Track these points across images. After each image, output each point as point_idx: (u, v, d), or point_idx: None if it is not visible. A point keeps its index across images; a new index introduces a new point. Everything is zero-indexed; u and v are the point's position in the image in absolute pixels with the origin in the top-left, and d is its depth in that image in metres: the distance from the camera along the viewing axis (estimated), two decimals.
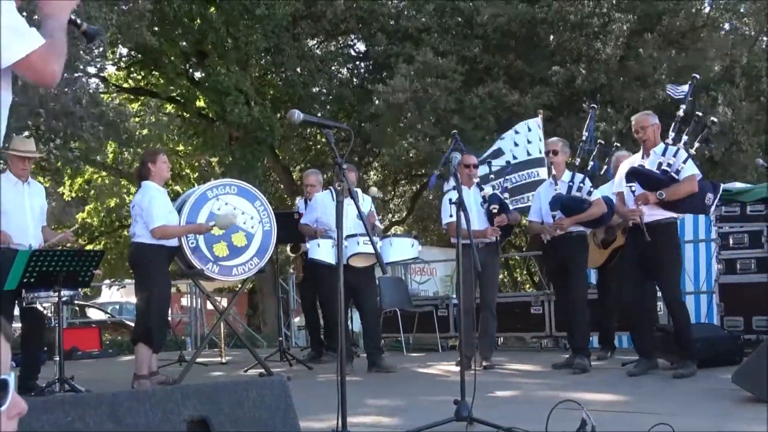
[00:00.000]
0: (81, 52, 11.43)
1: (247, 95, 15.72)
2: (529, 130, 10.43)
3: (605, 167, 7.99)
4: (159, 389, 2.80)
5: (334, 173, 7.74)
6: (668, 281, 6.55)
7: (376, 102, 15.04)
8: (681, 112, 6.62)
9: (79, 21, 2.52)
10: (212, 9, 14.53)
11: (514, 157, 10.11)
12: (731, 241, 8.28)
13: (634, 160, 6.78)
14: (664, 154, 6.45)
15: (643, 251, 6.50)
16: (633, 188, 6.51)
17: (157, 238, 6.75)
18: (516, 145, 10.52)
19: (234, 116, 15.34)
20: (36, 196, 6.97)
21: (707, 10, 16.73)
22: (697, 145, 6.70)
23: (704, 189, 6.50)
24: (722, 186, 7.21)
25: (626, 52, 15.03)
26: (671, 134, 6.50)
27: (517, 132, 10.66)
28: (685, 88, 6.80)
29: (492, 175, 9.62)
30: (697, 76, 7.14)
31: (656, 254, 6.46)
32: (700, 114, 6.76)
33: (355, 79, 18.62)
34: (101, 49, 12.02)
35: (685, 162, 6.39)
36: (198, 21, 15.06)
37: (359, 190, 8.28)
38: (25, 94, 10.22)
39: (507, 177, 8.90)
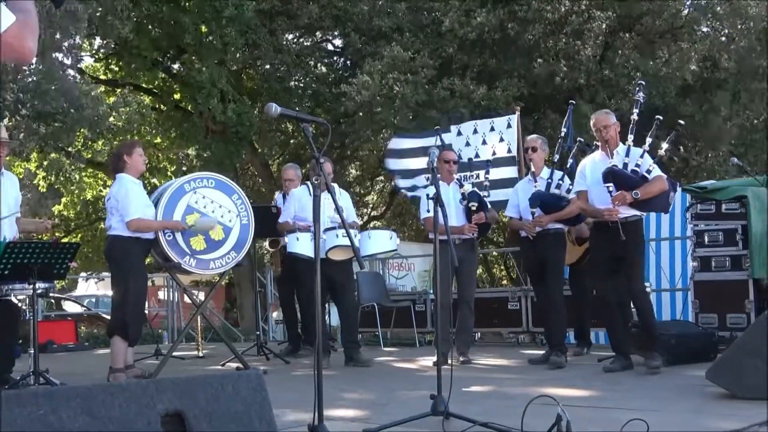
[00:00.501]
0: (57, 36, 11.33)
1: (222, 92, 15.65)
2: (509, 126, 10.47)
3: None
4: (134, 383, 2.78)
5: (311, 167, 7.72)
6: (634, 274, 6.65)
7: (344, 102, 15.00)
8: (635, 116, 6.80)
9: None
10: (182, 12, 14.35)
11: (477, 155, 10.14)
12: (706, 239, 8.35)
13: (595, 158, 6.85)
14: (627, 154, 6.58)
15: (614, 248, 6.59)
16: (610, 188, 6.58)
17: (132, 230, 6.72)
18: (484, 143, 10.56)
19: (206, 110, 15.31)
20: (10, 187, 6.89)
21: (685, 12, 16.81)
22: (666, 146, 6.83)
23: (669, 188, 6.68)
24: (698, 183, 7.31)
25: (604, 53, 15.06)
26: (630, 137, 6.68)
27: (492, 129, 10.68)
28: (640, 93, 7.03)
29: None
30: (643, 83, 7.28)
31: (625, 250, 6.57)
32: (660, 118, 6.90)
33: (332, 75, 18.59)
34: (77, 39, 11.93)
35: (654, 162, 6.58)
36: (171, 22, 14.90)
37: (336, 185, 8.27)
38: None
39: (475, 172, 8.91)
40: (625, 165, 6.56)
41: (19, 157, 15.36)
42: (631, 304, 6.89)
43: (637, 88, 7.09)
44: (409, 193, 11.28)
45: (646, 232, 8.22)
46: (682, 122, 7.29)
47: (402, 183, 11.15)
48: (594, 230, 6.97)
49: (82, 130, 13.53)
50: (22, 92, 10.90)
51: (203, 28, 15.35)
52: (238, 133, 15.92)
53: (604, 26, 14.75)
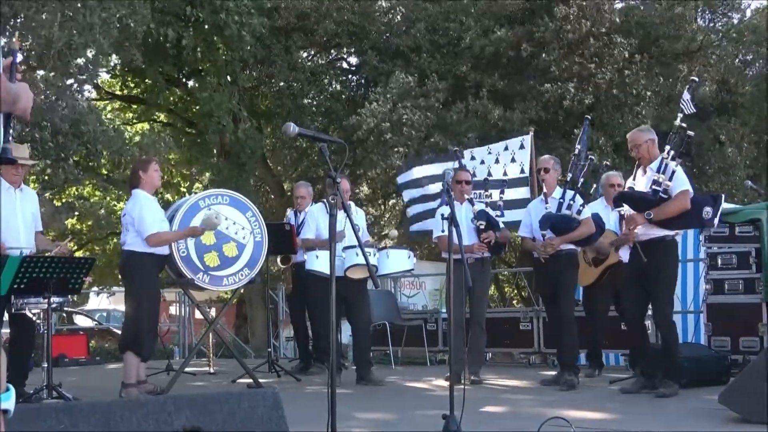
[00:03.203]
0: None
1: (234, 113, 15.72)
2: (522, 147, 10.51)
3: (594, 185, 8.02)
4: (152, 399, 2.81)
5: (328, 185, 7.75)
6: (659, 298, 6.54)
7: (356, 132, 15.13)
8: (678, 121, 6.56)
9: None
10: (184, 34, 14.39)
11: (490, 174, 10.17)
12: (719, 262, 8.33)
13: (629, 182, 6.79)
14: (659, 170, 6.40)
15: (642, 270, 6.52)
16: (622, 212, 6.56)
17: (152, 245, 6.74)
18: (497, 162, 10.60)
19: (214, 137, 15.40)
20: (28, 202, 6.94)
21: (700, 37, 16.88)
22: (678, 159, 6.63)
23: (700, 203, 6.47)
24: None
25: (618, 76, 15.10)
26: (667, 147, 6.42)
27: (506, 148, 10.75)
28: (686, 95, 6.78)
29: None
30: (696, 79, 7.12)
31: (651, 271, 6.46)
32: (684, 125, 6.62)
33: (345, 93, 18.69)
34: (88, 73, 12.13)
35: (670, 179, 6.34)
36: (174, 47, 14.95)
37: (352, 203, 8.30)
38: None
39: (490, 191, 8.92)
40: (655, 182, 6.36)
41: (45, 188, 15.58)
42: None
43: (688, 86, 6.80)
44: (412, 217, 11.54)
45: None
46: (691, 133, 6.97)
47: (414, 227, 11.55)
48: (630, 253, 6.78)
49: (105, 154, 13.64)
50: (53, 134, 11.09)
51: (216, 44, 15.37)
52: (240, 160, 16.00)
53: (626, 53, 14.76)
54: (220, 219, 7.10)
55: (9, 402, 1.75)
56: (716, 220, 6.78)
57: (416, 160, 12.42)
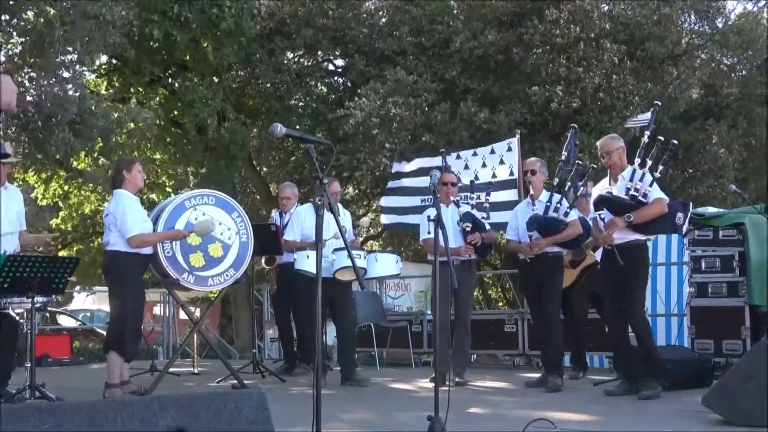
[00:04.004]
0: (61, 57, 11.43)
1: (223, 108, 15.67)
2: (509, 150, 10.54)
3: (582, 188, 8.07)
4: (137, 399, 2.79)
5: (316, 187, 7.75)
6: (633, 300, 6.66)
7: (343, 124, 15.09)
8: (646, 138, 6.77)
9: None
10: (178, 29, 14.32)
11: (476, 177, 10.19)
12: (703, 265, 8.37)
13: (603, 186, 6.89)
14: (631, 179, 6.61)
15: (616, 272, 6.60)
16: (602, 215, 6.65)
17: (134, 247, 6.72)
18: (483, 166, 10.63)
19: (196, 135, 15.34)
20: (13, 201, 6.87)
21: (686, 40, 16.98)
22: (661, 168, 6.80)
23: (674, 209, 6.69)
24: (696, 210, 7.31)
25: (605, 80, 15.14)
26: (637, 160, 6.66)
27: (492, 152, 10.77)
28: (648, 115, 7.07)
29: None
30: (659, 104, 7.32)
31: (626, 274, 6.58)
32: (662, 138, 6.89)
33: (332, 95, 18.66)
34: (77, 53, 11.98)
35: (651, 185, 6.56)
36: (161, 46, 14.87)
37: (340, 205, 8.30)
38: None
39: (476, 194, 8.94)
40: (627, 189, 6.58)
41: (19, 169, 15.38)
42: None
43: (651, 110, 7.06)
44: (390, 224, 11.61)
45: None
46: (675, 141, 7.21)
47: (386, 219, 11.59)
48: (603, 255, 6.96)
49: (98, 142, 13.50)
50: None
51: (203, 43, 15.31)
52: (230, 152, 15.95)
53: (615, 59, 14.82)
54: (215, 225, 7.09)
55: None
56: (685, 227, 7.07)
57: (412, 154, 12.44)
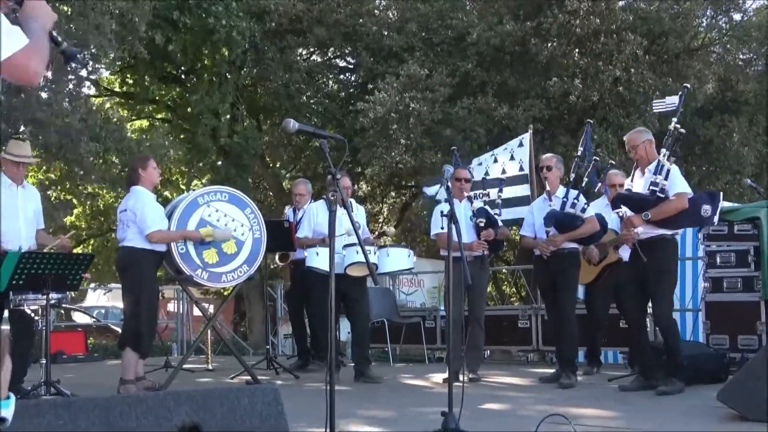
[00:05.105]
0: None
1: (236, 109, 15.70)
2: (521, 145, 10.51)
3: (599, 184, 8.03)
4: (152, 395, 2.80)
5: (328, 182, 7.76)
6: (659, 298, 6.54)
7: (360, 118, 15.05)
8: (672, 126, 6.54)
9: (59, 38, 2.53)
10: (174, 38, 14.29)
11: (487, 174, 10.16)
12: (718, 260, 8.33)
13: (626, 183, 6.81)
14: (655, 171, 6.44)
15: (642, 269, 6.52)
16: (620, 213, 6.59)
17: (154, 242, 6.76)
18: (495, 161, 10.60)
19: (206, 141, 15.35)
20: (30, 199, 6.93)
21: (703, 34, 16.88)
22: (674, 159, 6.55)
23: (697, 202, 6.49)
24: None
25: (625, 74, 15.02)
26: (663, 150, 6.45)
27: (504, 148, 10.75)
28: (675, 99, 6.78)
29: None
30: (688, 86, 7.17)
31: (651, 271, 6.46)
32: (678, 126, 6.59)
33: (342, 93, 18.65)
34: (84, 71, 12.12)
35: (666, 179, 6.37)
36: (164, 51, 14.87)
37: (354, 201, 8.29)
38: (18, 98, 10.22)
39: (488, 190, 8.92)
40: (653, 183, 6.39)
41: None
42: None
43: (680, 93, 6.79)
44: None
45: None
46: (682, 130, 6.69)
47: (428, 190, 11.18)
48: (630, 252, 6.78)
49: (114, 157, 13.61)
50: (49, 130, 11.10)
51: (195, 54, 15.33)
52: (243, 161, 16.00)
53: (638, 51, 14.69)
54: (229, 236, 7.13)
55: (8, 410, 1.74)
56: (716, 218, 6.81)
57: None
